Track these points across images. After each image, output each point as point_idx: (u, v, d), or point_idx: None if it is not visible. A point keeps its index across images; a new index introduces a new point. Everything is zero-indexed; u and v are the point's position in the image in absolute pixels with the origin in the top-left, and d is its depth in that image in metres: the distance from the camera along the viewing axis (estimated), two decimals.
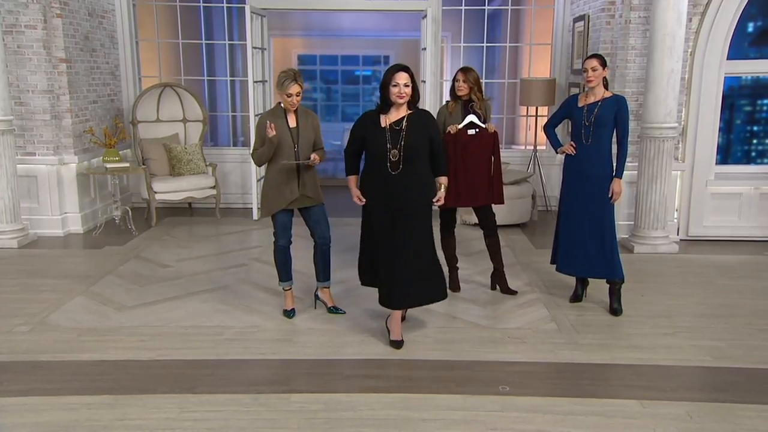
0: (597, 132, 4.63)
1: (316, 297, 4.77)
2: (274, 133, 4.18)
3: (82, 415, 3.29)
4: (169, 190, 7.34)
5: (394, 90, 3.86)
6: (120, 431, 3.16)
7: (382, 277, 4.08)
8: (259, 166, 4.49)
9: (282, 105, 4.37)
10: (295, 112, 4.39)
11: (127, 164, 7.05)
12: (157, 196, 7.29)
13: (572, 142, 4.75)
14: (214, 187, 7.58)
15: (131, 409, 3.35)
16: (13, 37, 6.47)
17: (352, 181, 4.20)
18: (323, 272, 4.67)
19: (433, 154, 4.08)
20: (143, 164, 7.39)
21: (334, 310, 4.67)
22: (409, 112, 3.97)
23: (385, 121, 3.96)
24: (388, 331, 4.20)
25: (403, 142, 3.90)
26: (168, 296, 5.04)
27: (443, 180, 4.19)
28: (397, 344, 4.10)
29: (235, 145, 9.31)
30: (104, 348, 4.09)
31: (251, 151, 4.48)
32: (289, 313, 4.65)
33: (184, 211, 8.00)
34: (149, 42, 8.41)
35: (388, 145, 3.92)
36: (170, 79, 8.39)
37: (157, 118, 7.80)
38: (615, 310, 4.75)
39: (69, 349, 4.06)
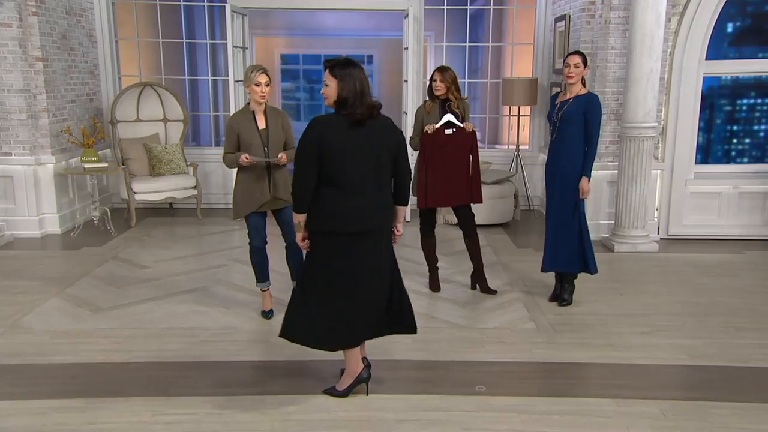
0: (562, 128, 4.62)
1: None
2: (247, 162, 4.20)
3: (50, 419, 3.24)
4: (149, 190, 7.27)
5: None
6: None
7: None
8: (230, 168, 4.44)
9: (251, 105, 4.32)
10: (264, 112, 4.34)
11: (106, 164, 6.97)
12: (137, 197, 7.22)
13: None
14: (195, 187, 7.52)
15: (102, 413, 3.30)
16: None
17: None
18: (296, 272, 4.65)
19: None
20: (123, 164, 7.32)
21: None
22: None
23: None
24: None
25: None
26: (145, 298, 4.98)
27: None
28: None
29: (217, 144, 9.21)
30: (77, 351, 4.03)
31: (222, 154, 4.41)
32: (267, 314, 4.61)
33: (165, 211, 7.94)
34: (130, 41, 8.33)
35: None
36: (151, 78, 8.32)
37: (137, 118, 7.73)
38: (565, 299, 4.87)
39: (41, 352, 4.00)
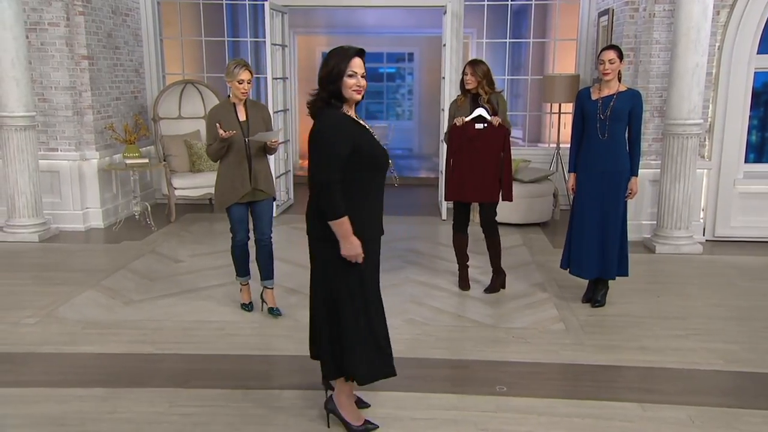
0: (612, 127, 4.48)
1: (262, 299, 4.73)
2: (227, 135, 4.13)
3: (72, 407, 3.30)
4: (189, 186, 7.40)
5: (350, 82, 2.79)
6: (108, 424, 3.16)
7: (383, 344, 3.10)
8: (215, 161, 4.40)
9: (231, 98, 4.36)
10: (245, 104, 4.37)
11: (146, 160, 7.12)
12: (177, 192, 7.36)
13: (573, 187, 4.68)
14: None
15: (122, 402, 3.35)
16: (37, 34, 6.60)
17: (348, 225, 2.82)
18: (265, 270, 4.60)
19: None
20: (164, 160, 7.46)
21: (274, 311, 4.61)
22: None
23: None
24: (346, 422, 3.11)
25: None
26: (176, 291, 5.06)
27: None
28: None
29: None
30: (105, 341, 4.12)
31: (206, 147, 4.40)
32: (247, 307, 4.68)
33: (205, 207, 8.06)
34: (174, 39, 8.50)
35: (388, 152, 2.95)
36: (195, 76, 8.47)
37: (178, 115, 7.88)
38: (599, 301, 4.75)
39: (71, 342, 4.10)
